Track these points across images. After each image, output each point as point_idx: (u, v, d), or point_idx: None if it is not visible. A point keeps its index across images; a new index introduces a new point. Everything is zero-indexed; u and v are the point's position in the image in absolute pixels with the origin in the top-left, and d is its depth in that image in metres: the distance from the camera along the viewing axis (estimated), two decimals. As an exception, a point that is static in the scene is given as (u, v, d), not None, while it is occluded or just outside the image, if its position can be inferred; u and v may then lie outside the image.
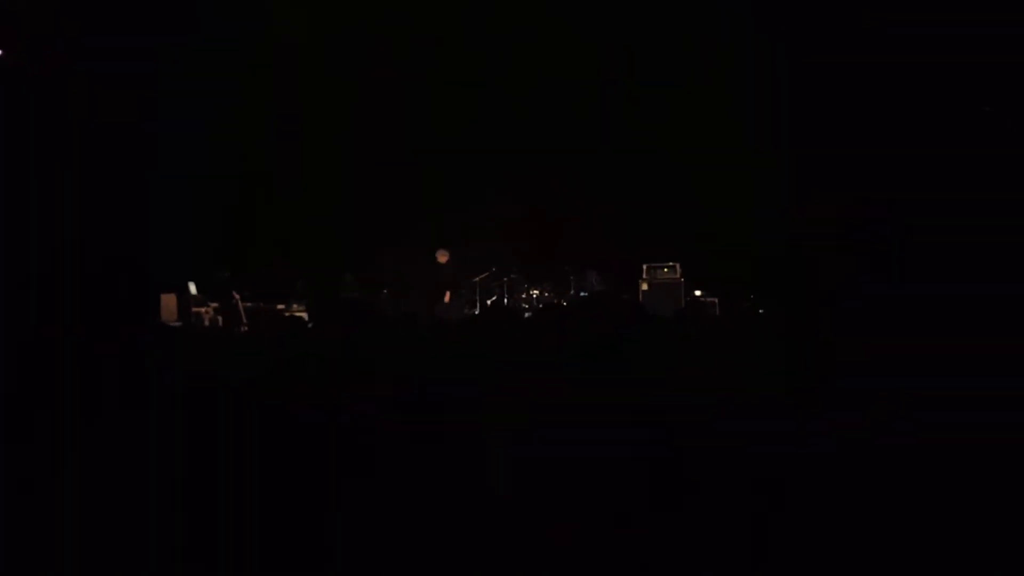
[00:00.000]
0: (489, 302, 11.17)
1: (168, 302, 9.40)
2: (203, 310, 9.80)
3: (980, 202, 7.64)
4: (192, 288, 9.86)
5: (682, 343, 3.26)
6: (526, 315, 10.08)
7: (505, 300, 11.10)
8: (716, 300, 10.60)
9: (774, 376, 2.53)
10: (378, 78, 10.93)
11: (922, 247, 8.06)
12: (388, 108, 10.99)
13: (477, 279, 11.16)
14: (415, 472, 2.23)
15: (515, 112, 10.99)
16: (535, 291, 11.22)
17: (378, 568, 2.01)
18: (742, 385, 2.43)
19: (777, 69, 9.61)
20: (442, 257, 10.79)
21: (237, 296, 9.95)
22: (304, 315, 10.05)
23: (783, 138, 9.71)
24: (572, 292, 11.01)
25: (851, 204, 9.00)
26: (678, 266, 10.81)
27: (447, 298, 10.62)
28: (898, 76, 8.76)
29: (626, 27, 10.65)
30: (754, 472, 2.09)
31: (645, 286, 10.87)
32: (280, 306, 10.34)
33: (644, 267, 10.90)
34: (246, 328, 9.64)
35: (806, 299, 8.41)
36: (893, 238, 8.44)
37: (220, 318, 9.84)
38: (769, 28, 9.50)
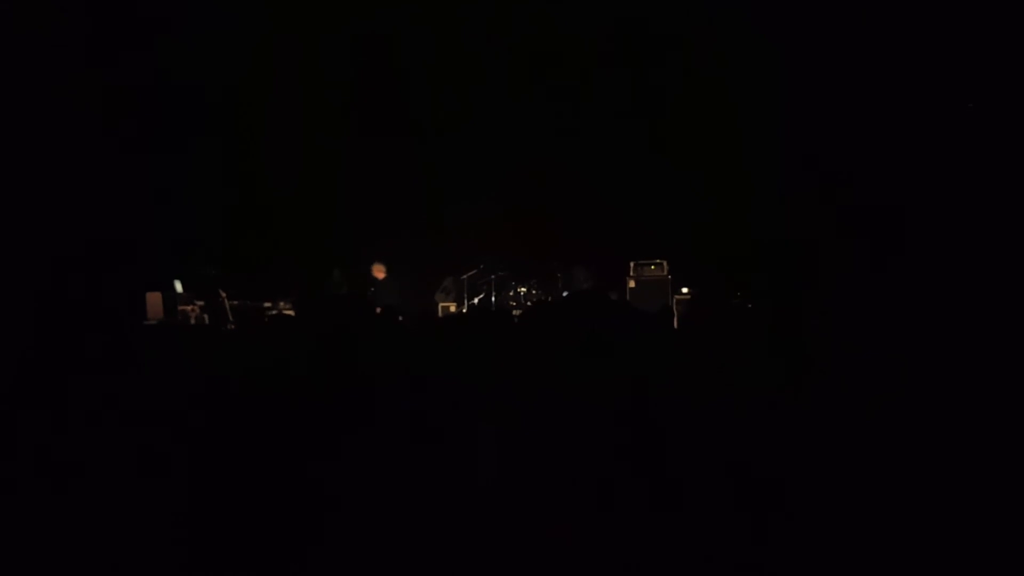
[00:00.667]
0: (477, 300, 11.16)
1: (153, 300, 9.35)
2: (189, 308, 9.74)
3: (974, 196, 7.70)
4: (178, 286, 9.81)
5: (670, 340, 3.27)
6: (514, 312, 10.12)
7: (493, 298, 11.09)
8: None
9: (764, 371, 2.55)
10: (368, 76, 10.91)
11: (915, 242, 8.11)
12: (378, 105, 10.96)
13: (465, 276, 11.15)
14: (407, 467, 2.24)
15: (504, 109, 10.98)
16: (523, 288, 11.22)
17: (372, 563, 2.01)
18: (732, 380, 2.44)
19: (765, 64, 9.64)
20: (379, 273, 10.70)
21: (224, 294, 9.90)
22: (291, 313, 10.00)
23: (772, 133, 9.74)
24: (560, 289, 11.02)
25: (842, 199, 9.04)
26: (665, 263, 10.85)
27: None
28: (890, 69, 8.80)
29: (614, 24, 10.66)
30: (745, 466, 2.10)
31: (632, 283, 10.90)
32: (267, 304, 10.29)
33: (631, 264, 10.92)
34: (233, 326, 9.59)
35: (796, 295, 8.44)
36: (886, 233, 8.49)
37: (206, 316, 9.79)
38: (759, 23, 9.52)
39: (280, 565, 2.03)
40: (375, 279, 10.70)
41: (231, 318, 9.75)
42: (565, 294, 10.64)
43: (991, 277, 6.66)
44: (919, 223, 8.20)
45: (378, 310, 9.98)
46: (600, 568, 1.94)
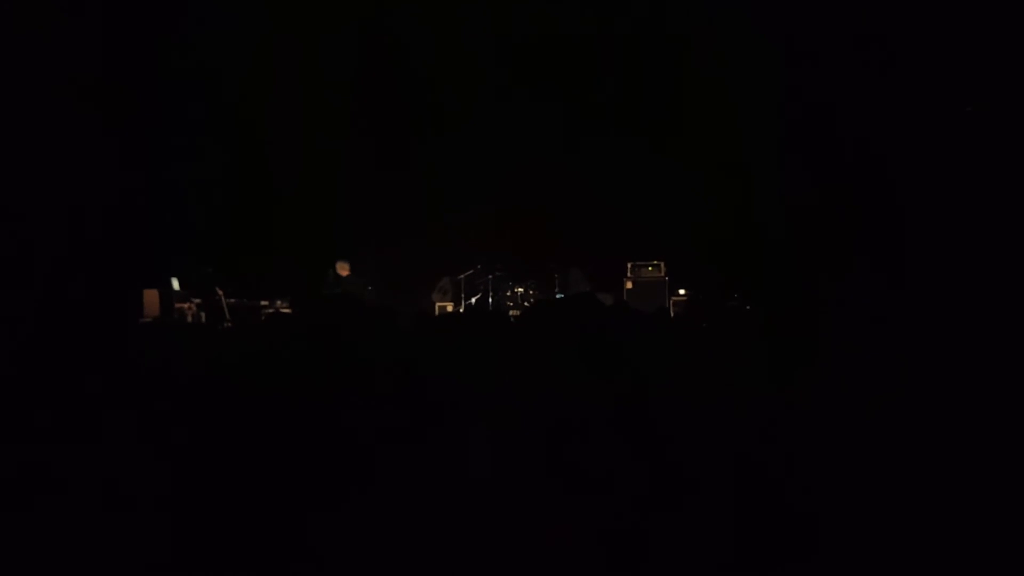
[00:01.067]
0: (474, 300, 11.16)
1: (150, 298, 9.34)
2: (186, 306, 9.73)
3: (975, 196, 7.71)
4: (175, 284, 9.80)
5: (667, 341, 3.27)
6: (511, 313, 10.12)
7: (490, 298, 11.09)
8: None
9: (763, 371, 2.55)
10: (367, 76, 10.91)
11: (915, 242, 8.11)
12: (377, 106, 10.96)
13: (462, 276, 11.15)
14: (403, 468, 2.23)
15: (503, 110, 10.97)
16: (519, 288, 11.22)
17: (370, 565, 2.00)
18: (729, 380, 2.44)
19: (765, 65, 9.64)
20: (343, 270, 10.74)
21: (221, 292, 9.89)
22: (288, 311, 10.00)
23: (771, 134, 9.74)
24: (556, 290, 11.03)
25: (841, 200, 9.05)
26: (663, 264, 10.87)
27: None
28: (889, 68, 8.80)
29: (612, 24, 10.67)
30: (745, 467, 2.10)
31: (629, 284, 10.91)
32: (264, 303, 10.28)
33: (628, 265, 10.94)
34: (229, 325, 9.59)
35: (795, 296, 8.45)
36: (885, 234, 8.49)
37: (203, 314, 9.78)
38: (759, 22, 9.52)
39: (277, 565, 2.03)
40: (340, 276, 10.73)
41: (228, 316, 9.75)
42: (559, 296, 10.65)
43: (992, 277, 6.68)
44: (919, 223, 8.20)
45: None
46: (600, 569, 1.93)
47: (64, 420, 2.47)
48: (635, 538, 1.98)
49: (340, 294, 10.10)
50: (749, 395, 2.37)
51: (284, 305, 10.17)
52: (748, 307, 9.44)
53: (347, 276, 10.67)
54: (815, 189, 9.34)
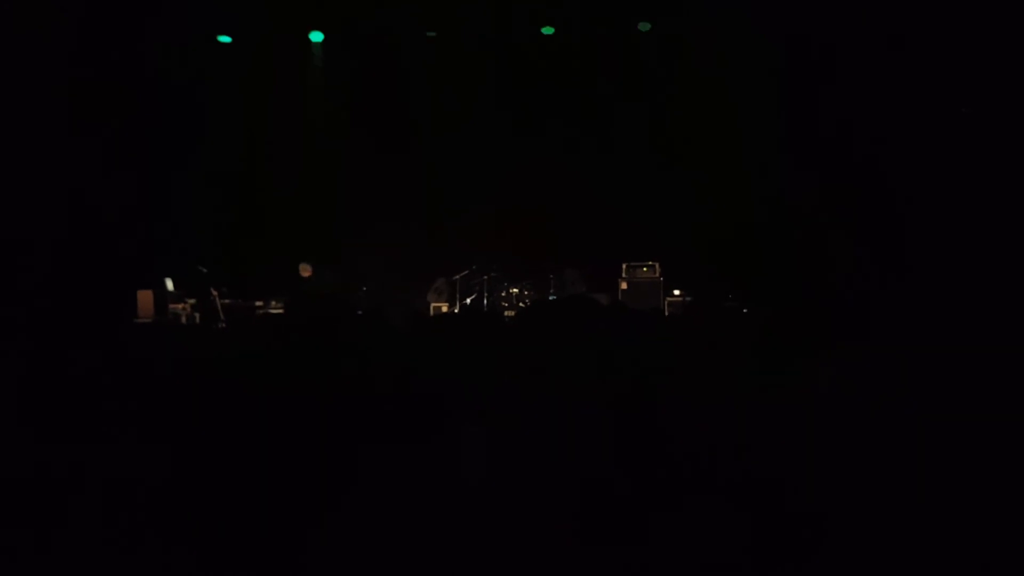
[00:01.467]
0: (469, 300, 11.14)
1: (144, 298, 9.31)
2: (180, 307, 9.70)
3: (974, 196, 7.73)
4: (169, 284, 9.77)
5: (665, 340, 3.26)
6: (506, 313, 10.11)
7: (485, 299, 11.08)
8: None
9: (762, 372, 2.54)
10: (365, 76, 10.93)
11: (914, 243, 8.12)
12: (374, 106, 10.96)
13: (457, 277, 11.13)
14: (402, 469, 2.22)
15: (500, 110, 10.98)
16: (515, 289, 11.21)
17: (367, 565, 1.99)
18: (726, 380, 2.44)
19: (763, 65, 9.66)
20: (304, 272, 10.76)
21: (215, 293, 9.86)
22: (280, 311, 9.97)
23: (769, 134, 9.76)
24: (552, 291, 11.02)
25: (838, 201, 9.07)
26: (657, 265, 10.86)
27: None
28: (889, 68, 8.81)
29: (608, 25, 10.69)
30: (744, 467, 2.09)
31: (624, 285, 10.91)
32: (258, 303, 10.25)
33: (623, 266, 10.94)
34: (224, 325, 9.56)
35: (792, 297, 8.46)
36: (883, 235, 8.51)
37: (197, 315, 9.75)
38: (757, 23, 9.53)
39: (274, 566, 2.02)
40: (302, 277, 10.73)
41: (222, 317, 9.72)
42: (553, 297, 10.65)
43: (992, 276, 6.69)
44: (918, 222, 8.22)
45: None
46: (599, 569, 1.93)
47: (59, 421, 2.46)
48: (636, 539, 1.97)
49: (331, 294, 10.10)
50: (748, 395, 2.36)
51: (278, 305, 10.14)
52: (745, 308, 9.44)
53: (309, 277, 10.67)
54: (812, 189, 9.35)
